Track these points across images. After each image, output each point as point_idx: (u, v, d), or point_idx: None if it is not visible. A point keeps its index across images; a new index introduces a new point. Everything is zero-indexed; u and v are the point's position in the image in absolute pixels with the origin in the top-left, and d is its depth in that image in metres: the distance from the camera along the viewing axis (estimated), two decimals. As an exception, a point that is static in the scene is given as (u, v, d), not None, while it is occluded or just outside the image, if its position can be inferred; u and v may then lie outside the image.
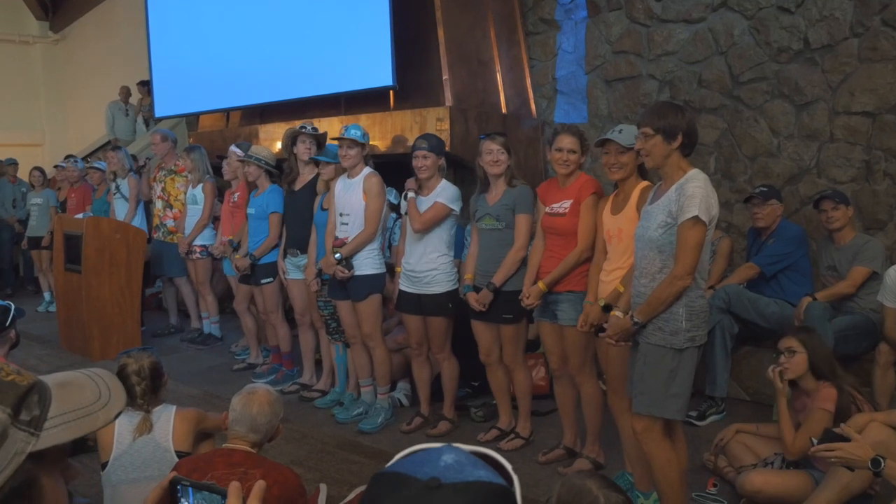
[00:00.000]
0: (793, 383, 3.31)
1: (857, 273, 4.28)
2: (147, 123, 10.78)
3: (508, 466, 0.86)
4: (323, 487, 2.99)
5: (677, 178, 2.83)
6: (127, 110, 10.90)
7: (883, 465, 2.54)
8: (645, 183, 3.27)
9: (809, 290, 4.43)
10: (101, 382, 1.00)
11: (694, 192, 2.73)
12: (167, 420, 2.94)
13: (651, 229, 2.85)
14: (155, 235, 6.69)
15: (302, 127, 4.96)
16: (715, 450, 3.59)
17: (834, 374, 3.25)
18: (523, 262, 3.89)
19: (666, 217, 2.80)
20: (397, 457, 0.87)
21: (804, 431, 3.12)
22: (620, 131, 3.24)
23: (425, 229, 4.14)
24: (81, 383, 0.99)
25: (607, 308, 3.21)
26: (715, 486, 3.47)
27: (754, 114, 5.67)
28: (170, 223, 6.60)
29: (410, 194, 4.19)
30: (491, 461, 0.86)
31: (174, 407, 3.01)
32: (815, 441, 2.65)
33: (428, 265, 4.16)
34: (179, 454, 2.88)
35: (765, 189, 4.75)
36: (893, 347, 3.92)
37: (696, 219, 2.71)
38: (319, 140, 4.94)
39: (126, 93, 10.98)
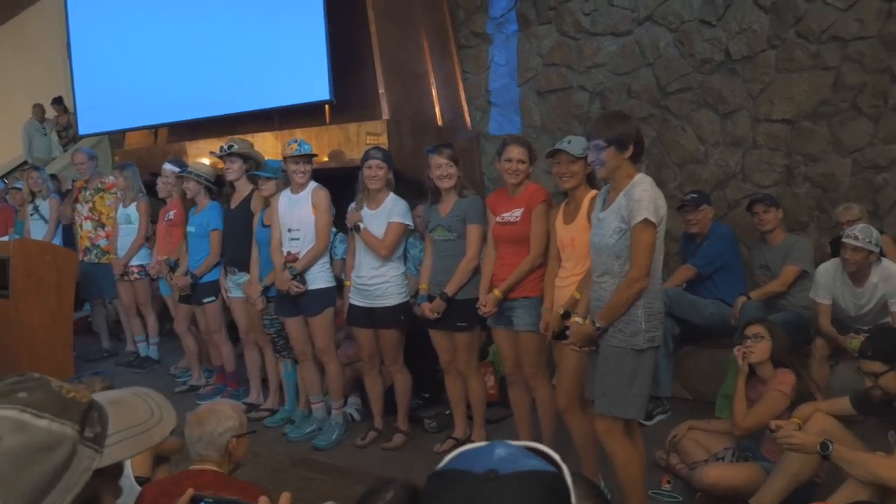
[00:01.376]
0: (750, 373, 3.49)
1: (789, 272, 4.50)
2: (62, 141, 10.38)
3: (556, 457, 0.89)
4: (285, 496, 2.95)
5: (624, 184, 2.93)
6: (44, 129, 10.48)
7: (831, 448, 2.71)
8: (594, 192, 3.36)
9: (743, 290, 4.64)
10: (151, 400, 1.00)
11: (641, 196, 2.84)
12: (123, 446, 2.85)
13: (606, 236, 2.94)
14: (85, 258, 6.45)
15: (222, 148, 4.89)
16: (668, 447, 3.72)
17: (792, 363, 3.46)
18: (476, 271, 3.94)
19: (619, 223, 2.90)
20: (447, 458, 0.90)
21: (756, 410, 3.33)
22: (570, 142, 3.34)
23: (392, 253, 4.15)
24: (132, 402, 0.98)
25: (566, 315, 3.29)
26: (669, 482, 3.59)
27: (681, 123, 5.91)
28: (103, 243, 6.37)
29: (362, 226, 4.16)
30: (539, 453, 0.89)
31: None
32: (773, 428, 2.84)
33: (379, 278, 4.17)
34: (139, 480, 2.80)
35: (695, 195, 4.94)
36: (828, 341, 4.14)
37: (646, 221, 2.81)
38: (250, 156, 4.88)
39: (40, 111, 10.57)
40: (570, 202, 3.46)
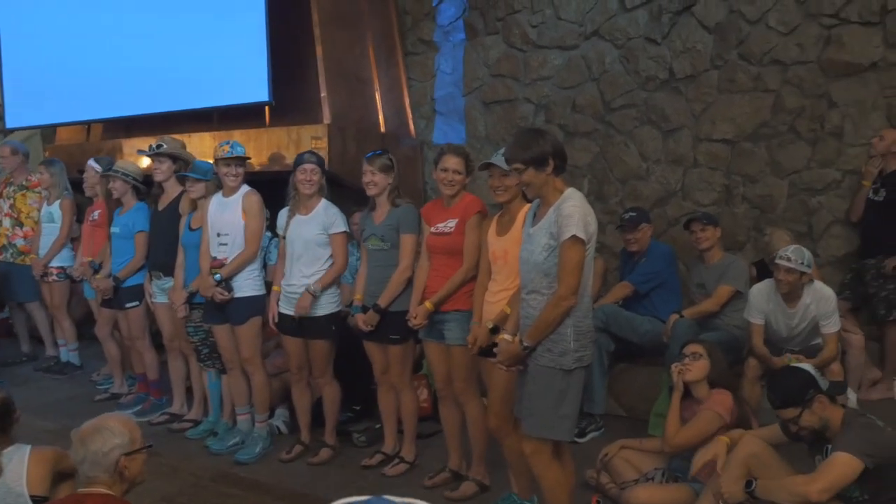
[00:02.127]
0: (686, 392, 3.47)
1: (722, 291, 4.51)
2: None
3: None
4: None
5: (554, 199, 2.87)
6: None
7: (754, 485, 2.75)
8: (528, 205, 3.28)
9: (679, 308, 4.63)
10: None
11: (571, 212, 2.77)
12: (20, 462, 2.67)
13: (535, 253, 2.87)
14: (1, 257, 6.15)
15: (151, 147, 4.70)
16: (599, 465, 3.66)
17: (729, 385, 3.46)
18: (409, 283, 3.84)
19: (548, 239, 2.83)
20: None
21: (688, 428, 3.33)
22: (503, 155, 3.26)
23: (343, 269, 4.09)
24: None
25: (495, 330, 3.21)
26: (598, 502, 3.52)
27: (625, 139, 5.91)
28: (20, 242, 6.10)
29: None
30: None
31: (28, 447, 2.74)
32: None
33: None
34: (35, 499, 2.62)
35: (634, 214, 4.88)
36: (760, 361, 4.15)
37: (574, 238, 2.74)
38: (179, 156, 4.70)
39: None
40: (504, 214, 3.38)
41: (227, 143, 4.24)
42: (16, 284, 6.11)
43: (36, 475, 2.66)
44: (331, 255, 4.06)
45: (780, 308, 4.15)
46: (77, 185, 5.94)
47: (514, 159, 2.86)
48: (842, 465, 2.67)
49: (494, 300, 3.31)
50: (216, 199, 4.30)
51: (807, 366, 3.10)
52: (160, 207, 4.74)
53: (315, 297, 3.99)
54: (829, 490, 2.66)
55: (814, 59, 5.17)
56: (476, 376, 3.67)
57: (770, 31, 5.28)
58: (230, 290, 4.12)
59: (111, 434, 2.30)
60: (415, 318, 3.63)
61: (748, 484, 2.80)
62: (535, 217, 2.96)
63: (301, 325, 4.07)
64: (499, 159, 3.26)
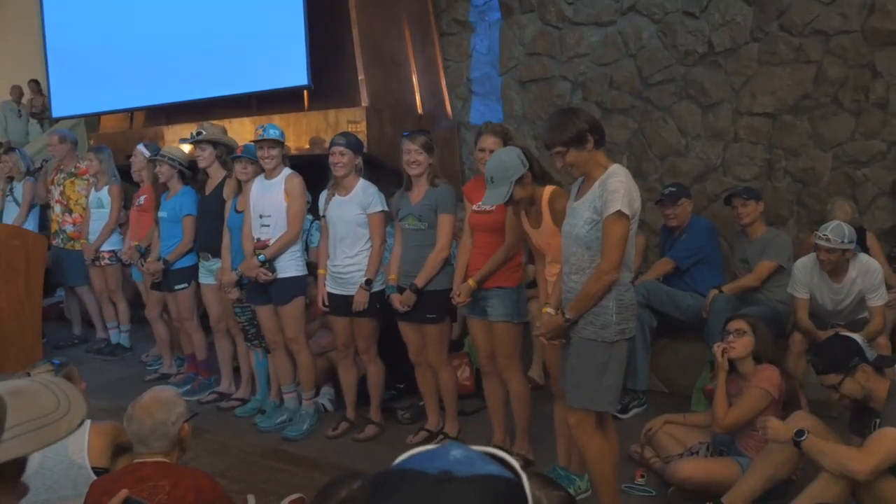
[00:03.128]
0: (730, 368, 3.42)
1: (763, 267, 4.46)
2: (42, 124, 10.20)
3: (516, 464, 0.84)
4: (251, 499, 2.89)
5: (598, 174, 2.88)
6: (20, 111, 10.29)
7: (805, 435, 2.74)
8: (550, 188, 3.23)
9: (720, 283, 4.60)
10: (58, 390, 0.92)
11: (616, 187, 2.78)
12: (81, 435, 2.76)
13: (578, 226, 2.88)
14: (54, 242, 6.33)
15: (192, 135, 4.79)
16: (643, 440, 3.67)
17: (775, 360, 3.41)
18: (446, 262, 3.87)
19: (591, 213, 2.84)
20: (400, 458, 0.84)
21: (737, 408, 3.27)
22: (492, 180, 3.14)
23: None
24: (36, 391, 0.90)
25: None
26: (643, 476, 3.54)
27: (663, 114, 5.86)
28: (69, 228, 6.26)
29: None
30: (498, 459, 0.84)
31: (88, 421, 2.83)
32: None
33: (353, 266, 4.09)
34: (97, 471, 2.72)
35: (673, 189, 4.87)
36: (805, 335, 4.11)
37: (619, 213, 2.75)
38: (220, 142, 4.79)
39: (18, 92, 10.37)
40: (529, 205, 3.35)
41: (262, 126, 4.30)
42: (67, 269, 6.28)
43: (97, 448, 2.75)
44: (371, 237, 4.11)
45: (825, 283, 4.10)
46: (123, 172, 6.08)
47: (554, 143, 2.86)
48: (891, 442, 2.63)
49: (553, 280, 3.28)
50: (258, 182, 4.37)
51: (856, 336, 3.05)
52: (206, 192, 4.84)
53: (368, 290, 4.06)
54: (878, 470, 2.63)
55: (857, 28, 5.06)
56: (519, 352, 3.71)
57: (812, 1, 5.19)
58: (273, 270, 4.20)
59: (174, 404, 2.41)
60: (458, 296, 3.67)
61: (799, 433, 2.76)
62: (579, 191, 2.97)
63: (347, 304, 4.13)
64: (488, 198, 3.18)
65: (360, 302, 4.06)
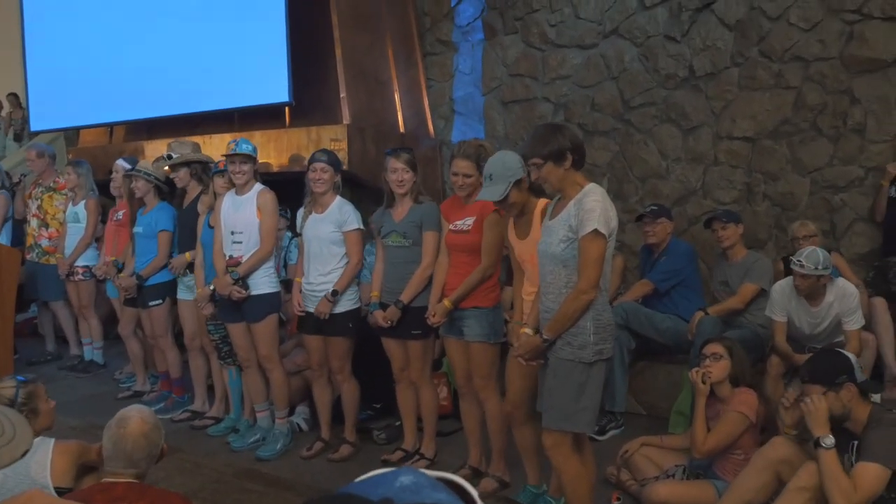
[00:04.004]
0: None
1: (747, 290, 4.47)
2: (18, 138, 10.10)
3: (474, 493, 0.78)
4: None
5: (574, 193, 2.87)
6: (-3, 124, 10.21)
7: (828, 444, 2.73)
8: (544, 201, 3.24)
9: (701, 306, 4.59)
10: (5, 419, 0.87)
11: (593, 207, 2.77)
12: (44, 454, 2.69)
13: (553, 245, 2.87)
14: (28, 257, 6.24)
15: (163, 158, 4.77)
16: (619, 462, 3.64)
17: (752, 383, 3.41)
18: (430, 279, 3.85)
19: (567, 232, 2.83)
20: (355, 481, 0.79)
21: (716, 433, 3.24)
22: (490, 177, 3.15)
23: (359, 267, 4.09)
24: None
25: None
26: (618, 499, 3.51)
27: (644, 137, 5.89)
28: (45, 243, 6.18)
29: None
30: (455, 487, 0.78)
31: (52, 440, 2.76)
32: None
33: (327, 285, 4.04)
34: (59, 490, 2.65)
35: (655, 208, 4.92)
36: (783, 359, 4.11)
37: (595, 232, 2.74)
38: (192, 161, 4.77)
39: None
40: (519, 215, 3.36)
41: (235, 140, 4.27)
42: (41, 284, 6.19)
43: (60, 467, 2.68)
44: (346, 254, 4.08)
45: (803, 307, 4.10)
46: (102, 188, 6.01)
47: (532, 154, 2.87)
48: (873, 479, 2.67)
49: (528, 300, 3.28)
50: (229, 198, 4.32)
51: (851, 355, 3.03)
52: (183, 206, 4.79)
53: (333, 302, 4.01)
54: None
55: (836, 55, 5.12)
56: (496, 373, 3.67)
57: (791, 28, 5.25)
58: (247, 288, 4.15)
59: (160, 426, 2.42)
60: (433, 315, 3.64)
61: (829, 440, 2.75)
62: (554, 210, 2.96)
63: (320, 323, 4.09)
64: (484, 194, 3.21)
65: (322, 312, 4.01)
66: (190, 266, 4.69)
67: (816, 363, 2.94)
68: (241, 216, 4.22)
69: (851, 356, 2.98)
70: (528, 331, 3.00)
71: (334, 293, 4.01)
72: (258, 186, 4.28)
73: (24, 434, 0.89)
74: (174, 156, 4.72)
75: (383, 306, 3.92)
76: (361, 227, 4.10)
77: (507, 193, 3.10)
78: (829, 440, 2.73)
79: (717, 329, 4.29)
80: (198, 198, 4.69)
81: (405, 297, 3.83)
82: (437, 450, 4.13)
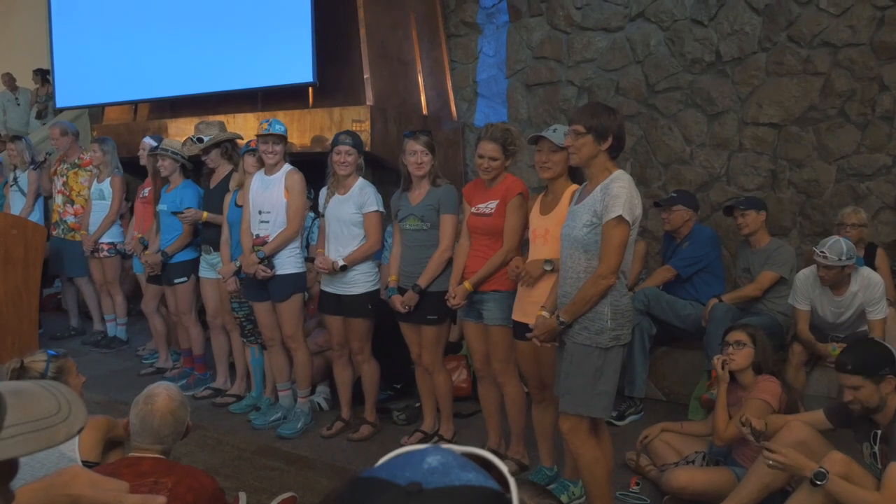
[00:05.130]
0: (730, 379, 3.38)
1: (765, 277, 4.44)
2: (40, 115, 10.16)
3: (504, 468, 0.77)
4: (242, 496, 2.87)
5: (602, 178, 2.86)
6: (17, 99, 10.22)
7: (827, 479, 2.59)
8: (576, 186, 3.25)
9: (721, 292, 4.57)
10: (60, 395, 0.90)
11: (618, 193, 2.76)
12: (73, 428, 2.75)
13: (577, 229, 2.87)
14: (54, 233, 6.31)
15: (190, 140, 4.79)
16: (639, 447, 3.65)
17: (775, 371, 3.38)
18: (448, 263, 3.85)
19: (591, 216, 2.82)
20: (380, 461, 0.78)
21: (737, 420, 3.21)
22: (555, 130, 3.25)
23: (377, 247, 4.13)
24: (36, 394, 0.88)
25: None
26: (637, 484, 3.52)
27: (668, 122, 5.84)
28: (70, 219, 6.25)
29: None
30: (483, 462, 0.77)
31: (82, 413, 2.81)
32: (753, 432, 2.77)
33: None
34: (87, 464, 2.70)
35: (674, 195, 4.88)
36: (805, 347, 4.09)
37: (619, 218, 2.73)
38: (222, 141, 4.79)
39: (10, 81, 10.27)
40: (548, 193, 3.37)
41: (267, 121, 4.28)
42: (66, 260, 6.26)
43: (88, 441, 2.72)
44: (366, 235, 4.09)
45: (827, 295, 4.08)
46: (125, 165, 6.06)
47: (579, 120, 2.83)
48: None
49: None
50: (258, 178, 4.35)
51: (892, 346, 2.94)
52: (211, 185, 4.82)
53: (336, 270, 4.02)
54: None
55: (866, 41, 5.05)
56: (514, 356, 3.68)
57: (821, 13, 5.17)
58: (272, 267, 4.18)
59: (186, 403, 2.46)
60: (454, 298, 3.65)
61: (819, 476, 2.61)
62: (580, 195, 2.96)
63: (340, 303, 4.11)
64: (549, 133, 3.25)
65: (323, 268, 4.05)
66: (214, 244, 4.73)
67: (859, 353, 2.86)
68: (269, 196, 4.24)
69: (893, 348, 2.94)
70: (544, 313, 3.01)
71: (343, 267, 4.02)
72: (287, 167, 4.30)
73: (79, 412, 0.91)
74: (204, 138, 4.74)
75: (401, 291, 3.94)
76: (381, 209, 4.10)
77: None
78: (821, 472, 2.61)
79: (732, 316, 4.26)
80: (228, 176, 4.71)
81: (422, 282, 3.84)
82: (455, 431, 4.16)
